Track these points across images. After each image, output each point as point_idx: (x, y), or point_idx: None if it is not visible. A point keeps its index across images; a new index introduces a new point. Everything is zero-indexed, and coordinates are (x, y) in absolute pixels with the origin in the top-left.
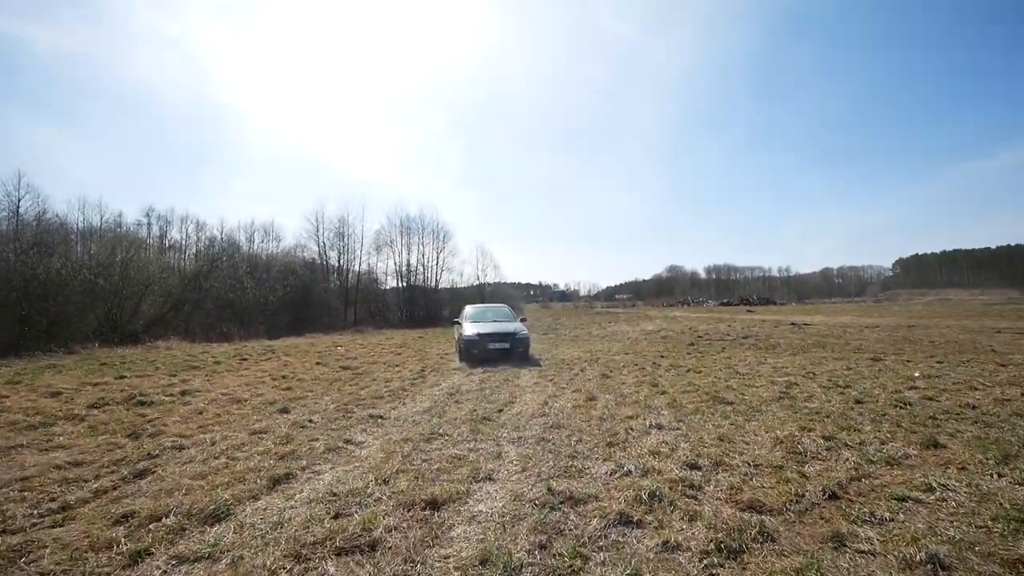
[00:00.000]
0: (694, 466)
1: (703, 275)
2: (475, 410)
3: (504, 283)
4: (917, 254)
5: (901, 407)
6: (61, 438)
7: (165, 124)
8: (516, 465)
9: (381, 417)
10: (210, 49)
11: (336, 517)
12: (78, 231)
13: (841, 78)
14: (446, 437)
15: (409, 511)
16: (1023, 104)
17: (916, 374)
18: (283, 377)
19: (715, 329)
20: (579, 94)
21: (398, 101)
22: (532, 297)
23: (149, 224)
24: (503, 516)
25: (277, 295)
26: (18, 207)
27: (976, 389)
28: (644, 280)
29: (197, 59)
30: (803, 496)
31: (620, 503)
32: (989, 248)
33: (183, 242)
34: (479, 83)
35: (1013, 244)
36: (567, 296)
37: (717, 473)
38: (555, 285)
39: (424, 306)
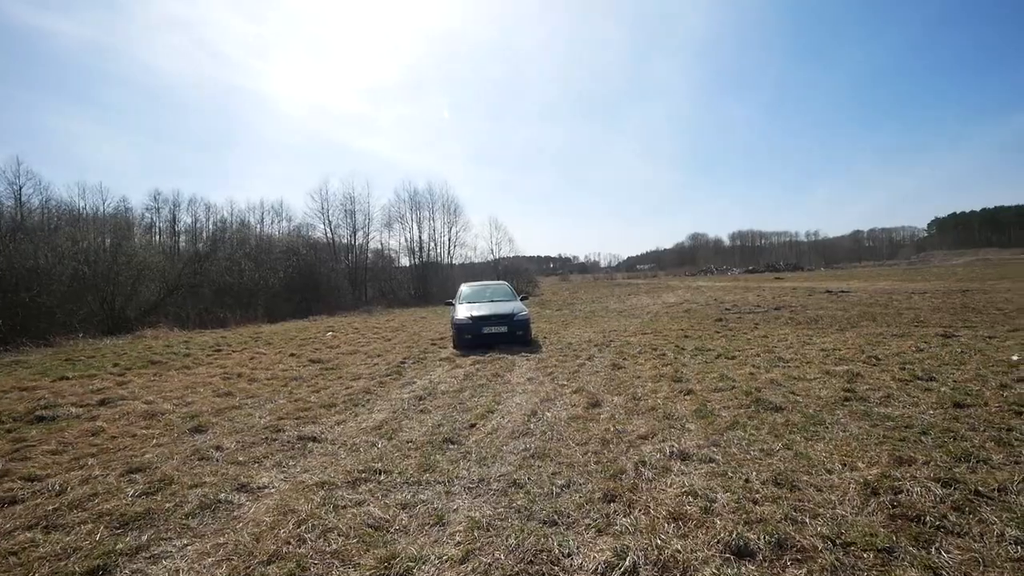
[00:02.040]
0: (743, 551)
1: (727, 242)
2: (440, 425)
3: (521, 256)
4: (955, 213)
5: (1020, 413)
6: None
7: (178, 108)
8: (458, 546)
9: (314, 440)
10: (220, 30)
11: None
12: (82, 217)
13: (883, 28)
14: (381, 478)
15: None
16: None
17: (1014, 357)
18: (238, 375)
19: (743, 300)
20: (598, 58)
21: (410, 78)
22: (552, 270)
23: (157, 208)
24: None
25: (278, 276)
26: (19, 195)
27: None
28: (666, 249)
29: (210, 42)
30: None
31: None
32: None
33: (192, 225)
34: (492, 53)
35: None
36: (587, 268)
37: (784, 567)
38: (575, 257)
39: (437, 283)
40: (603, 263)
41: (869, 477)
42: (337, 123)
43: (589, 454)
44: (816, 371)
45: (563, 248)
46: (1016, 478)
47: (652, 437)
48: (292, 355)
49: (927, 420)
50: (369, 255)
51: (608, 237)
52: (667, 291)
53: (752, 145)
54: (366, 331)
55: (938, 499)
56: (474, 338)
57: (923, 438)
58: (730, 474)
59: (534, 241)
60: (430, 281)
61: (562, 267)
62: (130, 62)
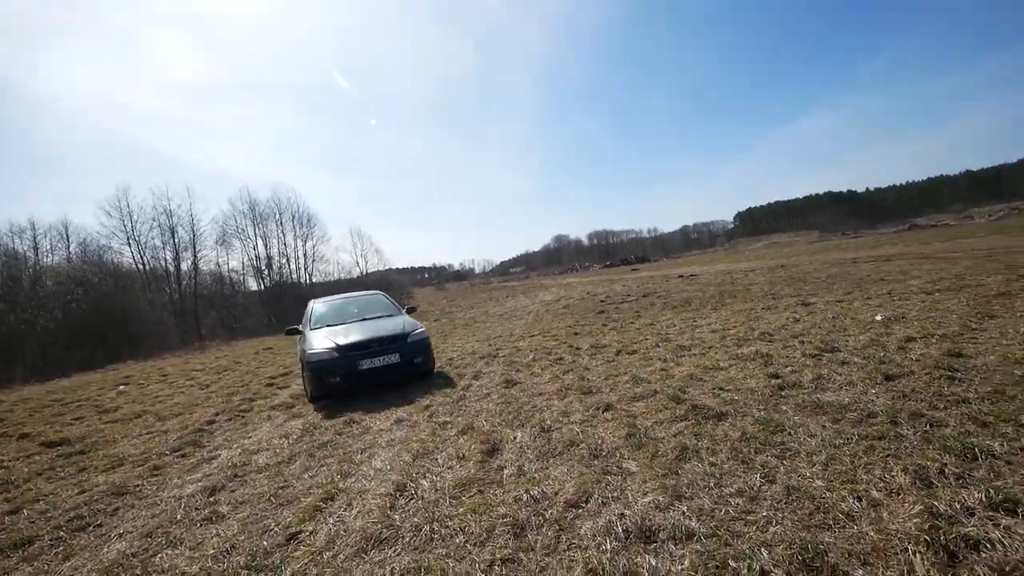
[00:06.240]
0: None
1: (586, 242)
2: (232, 550)
3: (393, 269)
4: (751, 207)
5: (950, 377)
6: None
7: None
8: None
9: None
10: None
11: None
12: None
13: (689, 55)
14: None
15: None
16: (812, 77)
17: (878, 317)
18: None
19: (612, 291)
20: (449, 70)
21: (242, 78)
22: (427, 280)
23: None
24: None
25: (54, 317)
26: None
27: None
28: (534, 252)
29: None
30: None
31: None
32: (798, 198)
33: None
34: (340, 58)
35: (818, 193)
36: (463, 275)
37: None
38: (450, 266)
39: (293, 305)
40: (478, 269)
41: (922, 522)
42: (147, 127)
43: (496, 567)
44: (725, 356)
45: (437, 258)
46: None
47: (587, 501)
48: (23, 436)
49: (882, 403)
50: (207, 280)
51: (480, 244)
52: (542, 290)
53: (599, 154)
54: (179, 377)
55: None
56: (345, 379)
57: (902, 431)
58: (732, 563)
59: (408, 254)
60: (285, 304)
61: (437, 276)
62: None
